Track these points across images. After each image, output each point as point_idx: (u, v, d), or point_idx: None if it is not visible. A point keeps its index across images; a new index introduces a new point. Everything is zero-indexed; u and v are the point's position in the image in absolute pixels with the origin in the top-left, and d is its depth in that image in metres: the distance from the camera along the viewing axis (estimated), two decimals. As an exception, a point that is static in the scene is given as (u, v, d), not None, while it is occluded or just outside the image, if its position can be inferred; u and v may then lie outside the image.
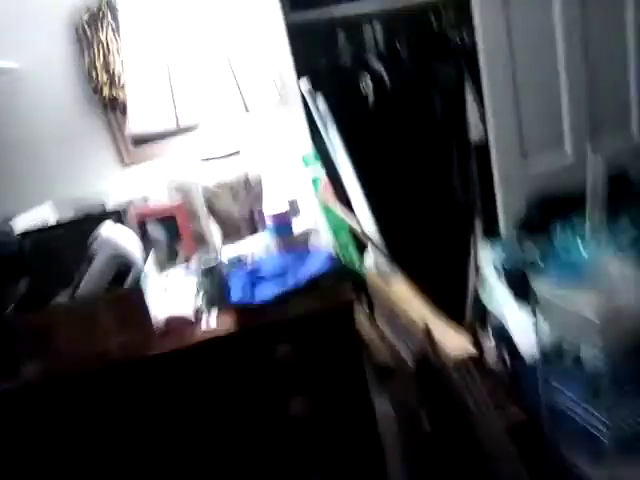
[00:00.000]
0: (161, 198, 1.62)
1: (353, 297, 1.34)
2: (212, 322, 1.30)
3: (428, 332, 1.40)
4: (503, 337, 2.00)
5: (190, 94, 1.35)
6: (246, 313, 1.29)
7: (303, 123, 1.87)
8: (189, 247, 1.54)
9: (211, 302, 1.36)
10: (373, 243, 1.81)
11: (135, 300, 1.23)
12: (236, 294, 1.32)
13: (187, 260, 1.53)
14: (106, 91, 1.65)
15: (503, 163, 2.07)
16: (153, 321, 1.26)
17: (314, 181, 1.86)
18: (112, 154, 1.70)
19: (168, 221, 1.53)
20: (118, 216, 1.39)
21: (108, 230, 1.27)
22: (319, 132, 1.94)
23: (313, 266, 1.36)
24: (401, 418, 1.46)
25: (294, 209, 1.53)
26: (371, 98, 2.13)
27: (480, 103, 2.08)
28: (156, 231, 1.53)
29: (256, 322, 1.28)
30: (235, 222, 1.59)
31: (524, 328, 1.84)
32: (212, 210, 1.57)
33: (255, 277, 1.38)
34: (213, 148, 1.54)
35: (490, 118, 2.02)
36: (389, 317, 1.58)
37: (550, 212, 2.04)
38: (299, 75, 1.81)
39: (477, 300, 2.18)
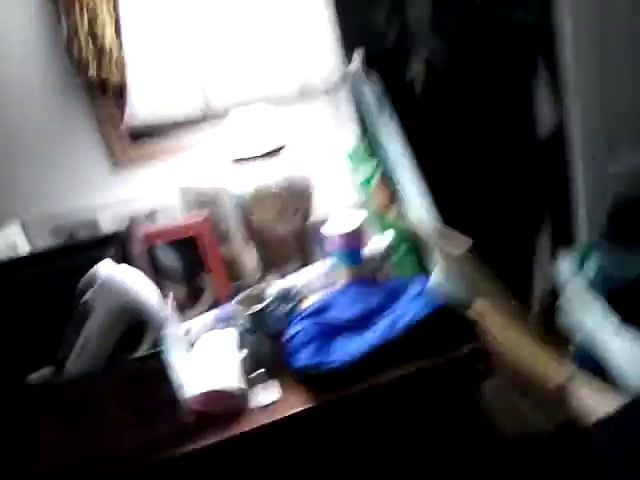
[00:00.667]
0: (175, 212, 1.18)
1: (471, 349, 0.92)
2: (268, 397, 0.88)
3: (563, 390, 0.98)
4: (595, 367, 1.59)
5: (221, 70, 0.92)
6: (319, 381, 0.87)
7: (350, 112, 1.45)
8: (219, 282, 1.10)
9: (263, 365, 0.92)
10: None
11: (156, 375, 0.79)
12: (302, 355, 0.89)
13: (217, 301, 1.09)
14: (92, 70, 1.20)
15: (586, 161, 1.71)
16: (183, 403, 0.83)
17: (365, 183, 1.44)
18: (102, 153, 1.25)
19: (186, 245, 1.08)
20: (119, 242, 0.95)
21: (108, 269, 0.83)
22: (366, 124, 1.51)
23: (409, 306, 0.93)
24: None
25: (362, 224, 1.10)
26: (419, 85, 1.73)
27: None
28: (169, 260, 1.09)
29: (335, 395, 0.86)
30: (281, 244, 1.15)
31: (633, 359, 1.45)
32: (249, 229, 1.13)
33: (326, 326, 0.94)
34: (248, 144, 1.11)
35: (572, 110, 1.66)
36: (507, 369, 1.15)
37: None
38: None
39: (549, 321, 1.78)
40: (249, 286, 1.08)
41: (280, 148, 1.14)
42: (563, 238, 1.83)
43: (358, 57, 1.41)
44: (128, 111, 1.02)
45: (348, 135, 1.46)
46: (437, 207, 1.50)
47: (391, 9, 1.72)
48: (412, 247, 1.45)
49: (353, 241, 1.02)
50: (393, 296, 0.98)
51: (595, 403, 1.03)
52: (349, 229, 1.01)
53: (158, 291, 0.87)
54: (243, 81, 0.92)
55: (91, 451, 0.79)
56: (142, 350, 0.82)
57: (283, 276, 1.10)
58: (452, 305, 0.94)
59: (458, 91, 1.70)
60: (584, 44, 1.64)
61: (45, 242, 1.10)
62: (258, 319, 0.93)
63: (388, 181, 1.50)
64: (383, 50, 1.70)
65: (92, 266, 0.89)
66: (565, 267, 1.74)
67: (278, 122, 1.15)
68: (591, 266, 1.70)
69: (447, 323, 0.91)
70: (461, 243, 0.99)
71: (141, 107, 0.96)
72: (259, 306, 0.93)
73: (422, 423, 0.93)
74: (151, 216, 1.16)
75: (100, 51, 1.20)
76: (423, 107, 1.69)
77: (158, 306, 0.85)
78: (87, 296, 0.81)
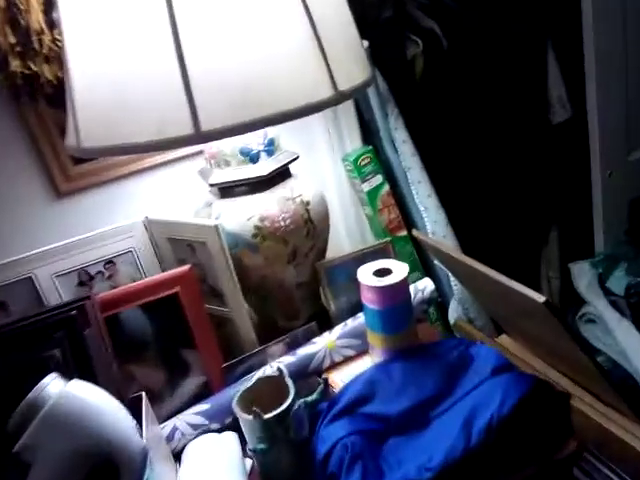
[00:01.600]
0: (142, 259, 0.87)
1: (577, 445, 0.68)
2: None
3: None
4: (627, 387, 1.41)
5: (213, 77, 0.62)
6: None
7: (351, 111, 1.18)
8: (208, 357, 0.81)
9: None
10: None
11: None
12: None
13: (207, 385, 0.80)
14: (15, 63, 0.87)
15: (606, 155, 1.50)
16: None
17: (371, 197, 1.18)
18: (38, 180, 0.92)
19: (162, 309, 0.79)
20: (67, 323, 0.64)
21: (54, 391, 0.53)
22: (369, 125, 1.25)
23: (483, 391, 0.68)
24: None
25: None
26: (419, 66, 1.47)
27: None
28: (139, 331, 0.79)
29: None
30: (288, 298, 0.87)
31: None
32: (245, 280, 0.84)
33: (370, 431, 0.68)
34: (240, 166, 0.82)
35: (594, 97, 1.45)
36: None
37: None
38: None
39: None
40: (248, 362, 0.80)
41: (282, 172, 0.85)
42: (576, 240, 1.64)
43: (364, 44, 1.14)
44: (70, 131, 0.70)
45: (349, 141, 1.19)
46: (446, 206, 1.27)
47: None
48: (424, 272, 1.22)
49: (398, 298, 0.76)
50: (455, 374, 0.72)
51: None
52: (393, 281, 0.74)
53: (127, 414, 0.57)
54: (250, 90, 0.61)
55: None
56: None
57: (290, 344, 0.82)
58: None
59: (460, 75, 1.45)
60: (607, 28, 1.43)
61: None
62: (277, 426, 0.65)
63: (397, 195, 1.25)
64: (378, 33, 1.44)
65: (30, 371, 0.59)
66: (585, 280, 1.56)
67: (275, 138, 0.86)
68: (616, 279, 1.52)
69: (539, 411, 0.66)
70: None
71: (92, 128, 0.65)
72: (279, 409, 0.65)
73: None
74: (111, 267, 0.84)
75: (25, 37, 0.87)
76: (424, 96, 1.43)
77: (132, 436, 0.56)
78: (25, 439, 0.51)
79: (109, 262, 0.84)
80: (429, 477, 0.61)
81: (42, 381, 0.53)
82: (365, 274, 0.76)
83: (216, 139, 0.63)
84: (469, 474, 0.62)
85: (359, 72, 0.74)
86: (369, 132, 1.24)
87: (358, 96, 1.16)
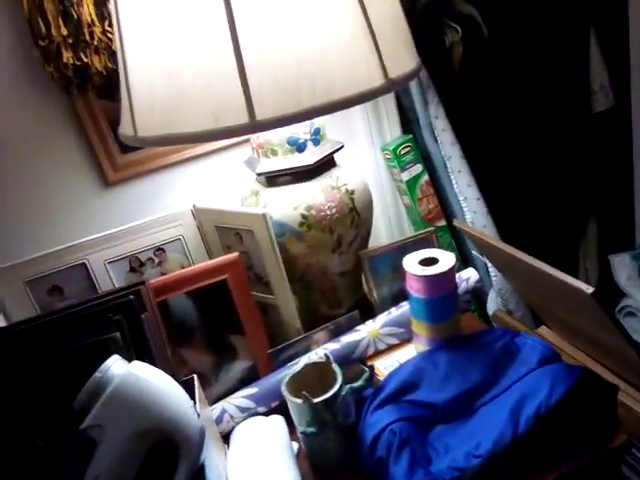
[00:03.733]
0: (189, 246, 0.89)
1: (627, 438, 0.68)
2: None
3: None
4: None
5: (270, 63, 0.62)
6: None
7: (391, 100, 1.18)
8: (255, 342, 0.83)
9: (338, 471, 0.67)
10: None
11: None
12: (396, 471, 0.63)
13: (253, 369, 0.82)
14: (67, 55, 0.89)
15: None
16: None
17: (410, 187, 1.18)
18: (87, 170, 0.95)
19: (211, 296, 0.81)
20: (125, 308, 0.66)
21: (118, 371, 0.56)
22: (408, 113, 1.24)
23: (531, 380, 0.68)
24: None
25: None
26: (458, 53, 1.45)
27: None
28: (188, 317, 0.81)
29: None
30: (331, 286, 0.89)
31: None
32: (291, 268, 0.86)
33: (417, 418, 0.69)
34: (287, 156, 0.83)
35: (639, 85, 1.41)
36: None
37: None
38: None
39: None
40: (293, 348, 0.82)
41: (327, 162, 0.86)
42: (616, 232, 1.61)
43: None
44: (126, 121, 0.72)
45: (389, 130, 1.19)
46: (485, 196, 1.26)
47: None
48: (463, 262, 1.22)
49: (444, 288, 0.76)
50: (501, 364, 0.73)
51: None
52: (440, 270, 0.75)
53: (186, 395, 0.59)
54: (304, 79, 0.62)
55: None
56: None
57: (334, 332, 0.84)
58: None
59: (500, 62, 1.43)
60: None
61: (20, 302, 0.81)
62: (325, 410, 0.66)
63: (437, 185, 1.25)
64: (416, 20, 1.42)
65: (93, 352, 0.62)
66: (625, 272, 1.53)
67: (321, 127, 0.87)
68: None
69: (587, 402, 0.66)
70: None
71: (150, 118, 0.67)
72: (328, 393, 0.66)
73: None
74: (161, 254, 0.87)
75: (78, 29, 0.89)
76: (463, 84, 1.41)
77: (191, 416, 0.58)
78: (91, 416, 0.53)
79: (159, 249, 0.86)
80: (477, 463, 0.62)
81: (106, 362, 0.55)
82: (411, 263, 0.77)
83: (270, 128, 0.63)
84: (516, 462, 0.63)
85: (409, 60, 0.74)
86: (408, 121, 1.24)
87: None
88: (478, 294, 1.21)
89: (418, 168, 1.20)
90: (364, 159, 1.17)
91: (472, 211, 1.21)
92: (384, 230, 1.23)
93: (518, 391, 0.67)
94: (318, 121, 0.86)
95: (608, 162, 1.56)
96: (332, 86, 0.63)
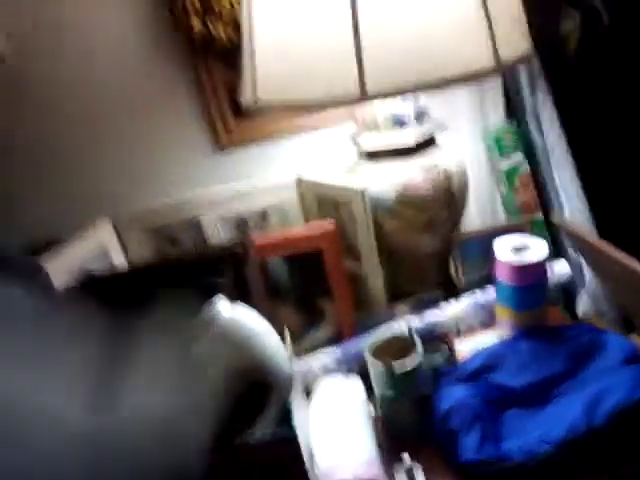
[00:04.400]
0: (291, 213, 0.96)
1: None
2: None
3: None
4: None
5: (386, 34, 0.65)
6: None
7: (499, 91, 1.17)
8: (343, 308, 0.88)
9: (402, 442, 0.71)
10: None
11: (287, 466, 0.60)
12: (466, 443, 0.66)
13: (339, 332, 0.87)
14: (197, 24, 0.97)
15: None
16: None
17: (509, 175, 1.17)
18: (203, 134, 1.03)
19: (305, 260, 0.86)
20: (231, 259, 0.73)
21: (223, 312, 0.62)
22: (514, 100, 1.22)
23: (613, 377, 0.68)
24: None
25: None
26: (573, 42, 1.39)
27: None
28: (284, 277, 0.87)
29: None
30: (419, 264, 0.92)
31: None
32: (382, 242, 0.89)
33: (492, 397, 0.71)
34: (389, 134, 0.86)
35: None
36: None
37: None
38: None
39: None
40: (377, 318, 0.86)
41: (428, 141, 0.88)
42: None
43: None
44: (247, 85, 0.78)
45: (493, 116, 1.18)
46: (588, 193, 1.22)
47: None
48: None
49: (535, 277, 0.77)
50: (583, 357, 0.73)
51: None
52: (533, 259, 0.75)
53: (281, 342, 0.65)
54: (414, 54, 0.65)
55: None
56: (266, 420, 0.62)
57: (418, 307, 0.87)
58: None
59: (619, 54, 1.36)
60: None
61: (140, 247, 0.91)
62: (405, 379, 0.70)
63: (537, 176, 1.23)
64: (535, 6, 1.38)
65: (204, 293, 0.69)
66: None
67: (424, 109, 0.89)
68: None
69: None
70: None
71: (268, 83, 0.72)
72: (408, 366, 0.70)
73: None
74: (264, 218, 0.94)
75: (207, 2, 0.96)
76: (576, 75, 1.36)
77: (285, 361, 0.64)
78: (198, 349, 0.61)
79: (263, 213, 0.93)
80: (547, 449, 0.63)
81: (214, 300, 0.62)
82: (503, 249, 0.78)
83: (380, 99, 0.67)
84: (587, 456, 0.64)
85: (520, 41, 0.74)
86: (514, 108, 1.22)
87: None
88: (569, 291, 1.19)
89: (519, 157, 1.18)
90: (465, 142, 1.17)
91: (572, 207, 1.19)
92: (477, 216, 1.23)
93: (598, 385, 0.67)
94: (423, 100, 0.88)
95: None
96: (442, 63, 0.66)
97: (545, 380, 0.71)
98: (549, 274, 0.84)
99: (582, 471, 0.63)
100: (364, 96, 0.66)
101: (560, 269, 0.88)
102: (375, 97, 0.67)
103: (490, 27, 0.68)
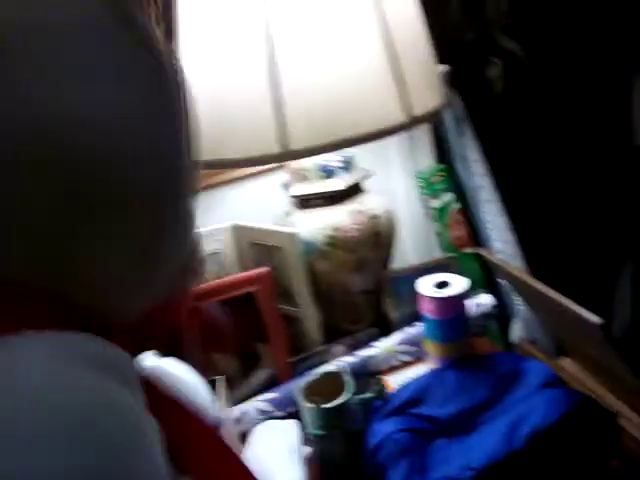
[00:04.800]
0: (225, 258, 0.98)
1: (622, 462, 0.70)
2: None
3: None
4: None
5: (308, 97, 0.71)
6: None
7: (425, 130, 1.25)
8: (278, 352, 0.90)
9: (344, 475, 0.72)
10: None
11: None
12: (392, 476, 0.68)
13: (274, 377, 0.89)
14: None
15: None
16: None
17: (441, 213, 1.23)
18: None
19: (240, 305, 0.89)
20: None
21: (151, 367, 0.64)
22: (443, 143, 1.30)
23: (531, 401, 0.72)
24: None
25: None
26: (499, 87, 1.49)
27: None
28: (222, 323, 0.89)
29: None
30: (351, 303, 0.95)
31: None
32: (314, 284, 0.93)
33: (420, 430, 0.74)
34: (318, 180, 0.91)
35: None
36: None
37: None
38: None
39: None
40: (312, 359, 0.88)
41: (355, 188, 0.93)
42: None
43: (443, 74, 1.20)
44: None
45: (423, 159, 1.25)
46: (516, 228, 1.29)
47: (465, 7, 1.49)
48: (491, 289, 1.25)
49: (455, 310, 0.81)
50: (505, 385, 0.77)
51: None
52: (452, 293, 0.80)
53: (206, 388, 0.67)
54: (334, 112, 0.70)
55: None
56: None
57: (352, 346, 0.90)
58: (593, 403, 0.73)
59: (541, 97, 1.47)
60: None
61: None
62: (334, 416, 0.73)
63: (466, 212, 1.29)
64: (460, 56, 1.48)
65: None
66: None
67: (351, 156, 0.94)
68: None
69: (585, 425, 0.70)
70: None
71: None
72: (338, 401, 0.72)
73: None
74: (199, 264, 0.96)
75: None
76: (501, 117, 1.45)
77: (208, 408, 0.66)
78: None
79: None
80: (470, 475, 0.66)
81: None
82: (425, 285, 0.82)
83: (303, 157, 0.71)
84: (508, 478, 0.67)
85: (434, 97, 0.80)
86: (442, 150, 1.29)
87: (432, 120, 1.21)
88: (505, 320, 1.24)
89: (449, 196, 1.25)
90: (397, 185, 1.24)
91: (501, 240, 1.25)
92: (414, 253, 1.29)
93: (517, 411, 0.71)
94: (349, 151, 0.93)
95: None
96: (360, 120, 0.71)
97: (470, 409, 0.75)
98: (472, 306, 0.89)
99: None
100: (288, 155, 0.70)
101: (484, 301, 0.93)
102: (299, 156, 0.71)
103: (402, 84, 0.74)
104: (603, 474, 0.68)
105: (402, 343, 0.89)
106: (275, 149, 0.69)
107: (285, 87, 0.69)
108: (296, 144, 0.68)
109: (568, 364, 1.12)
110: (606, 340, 0.79)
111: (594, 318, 0.77)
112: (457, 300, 0.80)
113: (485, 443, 0.69)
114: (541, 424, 0.68)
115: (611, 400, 0.94)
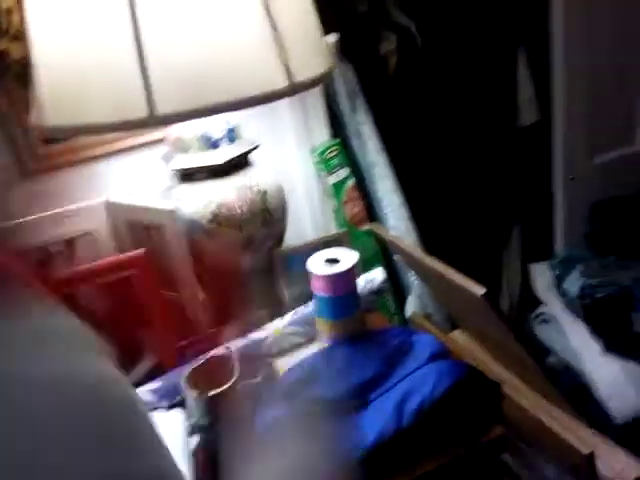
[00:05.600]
0: (100, 239, 0.89)
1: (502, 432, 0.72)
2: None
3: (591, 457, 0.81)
4: (578, 390, 1.46)
5: (173, 58, 0.64)
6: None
7: (320, 108, 1.21)
8: (162, 339, 0.83)
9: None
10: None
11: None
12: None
13: (159, 365, 0.83)
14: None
15: (569, 159, 1.55)
16: None
17: (337, 189, 1.21)
18: (4, 156, 0.93)
19: (117, 290, 0.81)
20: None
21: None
22: (337, 119, 1.27)
23: (419, 376, 0.72)
24: None
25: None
26: (392, 62, 1.49)
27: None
28: (96, 310, 0.81)
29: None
30: (242, 285, 0.90)
31: (614, 383, 1.33)
32: (200, 264, 0.87)
33: (310, 409, 0.71)
34: (201, 153, 0.84)
35: (561, 100, 1.49)
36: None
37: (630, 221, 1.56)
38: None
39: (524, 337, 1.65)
40: (200, 344, 0.83)
41: (242, 157, 0.88)
42: (538, 242, 1.69)
43: (332, 43, 1.17)
44: (35, 110, 0.72)
45: (318, 134, 1.22)
46: (410, 203, 1.30)
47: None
48: (386, 264, 1.25)
49: (345, 286, 0.79)
50: (394, 359, 0.76)
51: (612, 466, 0.89)
52: (341, 269, 0.77)
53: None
54: (205, 77, 0.64)
55: None
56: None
57: (244, 329, 0.85)
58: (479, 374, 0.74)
59: (432, 74, 1.49)
60: (572, 39, 1.48)
61: None
62: (219, 404, 0.68)
63: (362, 188, 1.28)
64: (351, 27, 1.46)
65: None
66: (543, 281, 1.61)
67: (237, 125, 0.89)
68: (571, 281, 1.57)
69: (471, 395, 0.70)
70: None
71: (54, 107, 0.67)
72: (224, 387, 0.68)
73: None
74: (70, 246, 0.86)
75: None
76: (394, 93, 1.45)
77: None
78: None
79: (69, 242, 0.86)
80: (361, 455, 0.64)
81: None
82: (315, 262, 0.79)
83: (170, 123, 0.65)
84: (400, 454, 0.66)
85: (318, 63, 0.76)
86: (337, 125, 1.27)
87: (323, 88, 1.18)
88: (402, 296, 1.25)
89: (345, 172, 1.23)
90: (292, 161, 1.19)
91: (395, 216, 1.25)
92: (312, 231, 1.26)
93: (405, 386, 0.70)
94: (234, 120, 0.87)
95: (531, 174, 1.63)
96: (231, 85, 0.65)
97: (359, 386, 0.73)
98: (363, 282, 0.88)
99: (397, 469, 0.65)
100: (154, 119, 0.63)
101: (375, 276, 0.92)
102: (166, 121, 0.65)
103: (281, 49, 0.69)
104: (487, 442, 0.69)
105: (293, 324, 0.85)
106: (140, 113, 0.62)
107: (149, 48, 0.62)
108: (163, 108, 0.61)
109: (459, 337, 1.15)
110: (490, 310, 0.81)
111: (477, 288, 0.78)
112: (346, 275, 0.77)
113: (374, 422, 0.68)
114: (429, 398, 0.68)
115: (498, 370, 0.97)
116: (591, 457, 0.73)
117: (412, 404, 0.68)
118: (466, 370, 0.71)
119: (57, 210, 0.87)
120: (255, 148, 0.89)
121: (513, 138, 1.61)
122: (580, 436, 0.75)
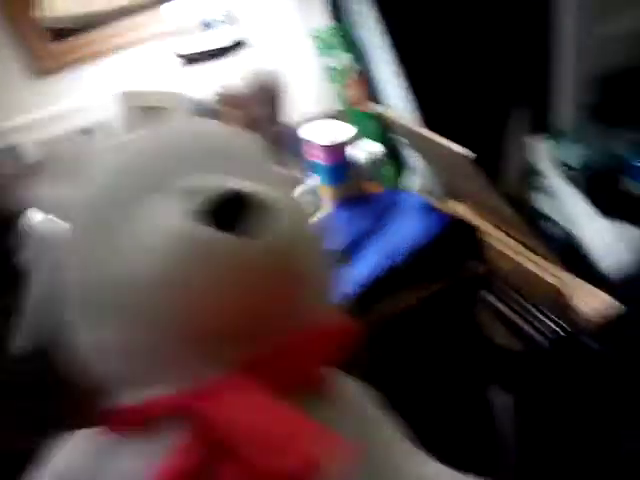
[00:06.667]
0: (115, 129, 0.97)
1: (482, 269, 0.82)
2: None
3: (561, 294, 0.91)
4: (573, 253, 1.55)
5: None
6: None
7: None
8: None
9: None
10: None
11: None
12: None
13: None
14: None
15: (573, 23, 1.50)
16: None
17: (339, 72, 1.24)
18: (18, 56, 0.99)
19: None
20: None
21: (39, 219, 0.65)
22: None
23: (409, 226, 0.81)
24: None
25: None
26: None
27: None
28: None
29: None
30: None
31: (608, 243, 1.41)
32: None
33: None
34: (201, 37, 0.89)
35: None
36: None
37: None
38: None
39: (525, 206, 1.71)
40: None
41: (241, 40, 0.92)
42: (541, 116, 1.69)
43: None
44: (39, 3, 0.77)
45: (318, 17, 1.23)
46: (412, 84, 1.32)
47: None
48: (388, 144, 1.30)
49: (340, 155, 0.86)
50: (386, 215, 0.85)
51: (592, 305, 0.98)
52: (337, 140, 0.84)
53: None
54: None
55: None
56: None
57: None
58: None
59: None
60: None
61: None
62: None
63: (363, 71, 1.30)
64: None
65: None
66: (543, 152, 1.64)
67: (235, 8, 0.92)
68: (571, 152, 1.60)
69: (454, 240, 0.79)
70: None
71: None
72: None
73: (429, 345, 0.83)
74: (88, 133, 0.94)
75: None
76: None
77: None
78: (23, 256, 0.64)
79: (87, 130, 0.93)
80: (358, 289, 0.75)
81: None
82: (314, 134, 0.86)
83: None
84: (390, 288, 0.76)
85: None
86: (339, 8, 1.26)
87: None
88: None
89: (346, 55, 1.24)
90: (292, 41, 1.20)
91: (396, 98, 1.29)
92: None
93: (397, 234, 0.80)
94: (232, 5, 0.91)
95: (532, 50, 1.60)
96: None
97: (356, 239, 0.82)
98: (362, 153, 0.94)
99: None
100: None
101: (374, 148, 0.98)
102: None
103: None
104: (472, 279, 0.79)
105: (302, 196, 0.93)
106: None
107: None
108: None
109: (455, 206, 1.22)
110: (480, 174, 0.88)
111: (465, 151, 0.85)
112: (343, 145, 0.84)
113: (369, 262, 0.77)
114: (417, 242, 0.77)
115: (485, 226, 1.05)
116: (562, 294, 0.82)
117: (402, 247, 0.77)
118: (449, 218, 0.79)
119: (73, 105, 0.93)
120: (255, 30, 0.93)
121: (514, 10, 1.56)
122: (554, 274, 0.84)
